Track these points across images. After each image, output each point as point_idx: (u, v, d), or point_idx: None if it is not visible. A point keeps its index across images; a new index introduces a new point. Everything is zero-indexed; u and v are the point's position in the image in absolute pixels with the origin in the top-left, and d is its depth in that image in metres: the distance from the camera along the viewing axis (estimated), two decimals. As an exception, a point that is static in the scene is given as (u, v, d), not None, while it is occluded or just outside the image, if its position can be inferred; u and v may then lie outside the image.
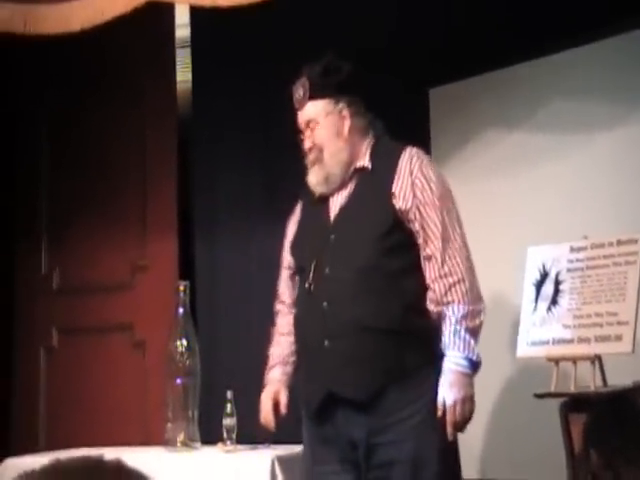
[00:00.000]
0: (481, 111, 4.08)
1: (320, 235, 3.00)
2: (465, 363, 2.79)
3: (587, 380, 2.82)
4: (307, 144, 3.07)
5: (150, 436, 4.21)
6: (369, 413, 2.83)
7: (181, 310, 3.58)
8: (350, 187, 3.01)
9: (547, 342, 2.96)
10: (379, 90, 4.23)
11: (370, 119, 3.10)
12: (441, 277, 2.85)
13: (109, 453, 1.16)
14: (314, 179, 3.04)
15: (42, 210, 5.02)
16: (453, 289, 2.84)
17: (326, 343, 2.86)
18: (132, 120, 4.79)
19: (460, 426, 2.82)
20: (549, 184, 3.88)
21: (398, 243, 2.88)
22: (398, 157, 2.96)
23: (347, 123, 3.03)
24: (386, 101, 4.24)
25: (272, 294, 4.40)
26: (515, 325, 3.06)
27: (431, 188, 2.91)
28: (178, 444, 3.52)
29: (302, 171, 4.35)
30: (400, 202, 2.89)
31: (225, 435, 3.45)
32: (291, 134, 4.47)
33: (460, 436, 2.98)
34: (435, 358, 2.83)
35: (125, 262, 4.74)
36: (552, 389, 2.84)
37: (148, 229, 4.71)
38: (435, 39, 4.11)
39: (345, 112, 3.03)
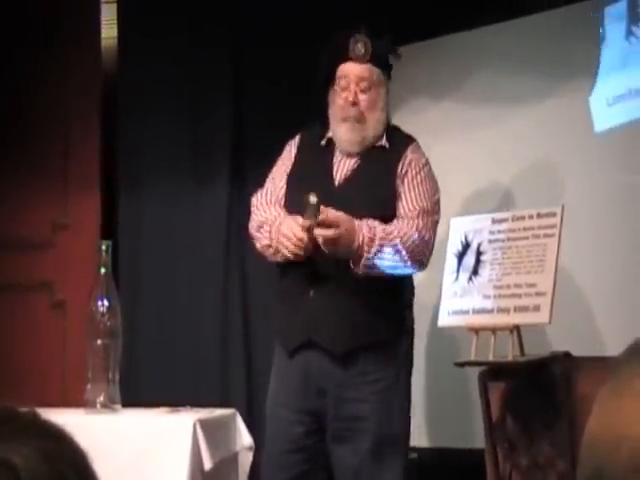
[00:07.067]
0: (409, 79, 4.09)
1: (321, 186, 3.05)
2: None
3: (506, 350, 2.88)
4: (351, 97, 3.13)
5: (69, 397, 4.17)
6: (342, 367, 3.02)
7: (103, 270, 3.53)
8: (361, 158, 3.12)
9: (467, 312, 3.02)
10: (312, 57, 4.23)
11: None
12: None
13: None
14: (349, 135, 3.13)
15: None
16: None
17: (311, 292, 3.01)
18: (55, 74, 4.69)
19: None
20: (473, 155, 3.92)
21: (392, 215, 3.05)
22: (407, 146, 3.12)
23: (387, 97, 3.20)
24: (315, 67, 4.24)
25: (196, 255, 4.39)
26: (438, 295, 3.10)
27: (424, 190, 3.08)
28: (98, 406, 3.47)
29: (230, 134, 4.35)
30: (398, 183, 3.06)
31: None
32: (219, 94, 4.45)
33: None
34: (408, 332, 3.10)
35: (46, 219, 4.65)
36: (472, 358, 2.90)
37: (70, 186, 4.63)
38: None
39: (387, 87, 3.21)
